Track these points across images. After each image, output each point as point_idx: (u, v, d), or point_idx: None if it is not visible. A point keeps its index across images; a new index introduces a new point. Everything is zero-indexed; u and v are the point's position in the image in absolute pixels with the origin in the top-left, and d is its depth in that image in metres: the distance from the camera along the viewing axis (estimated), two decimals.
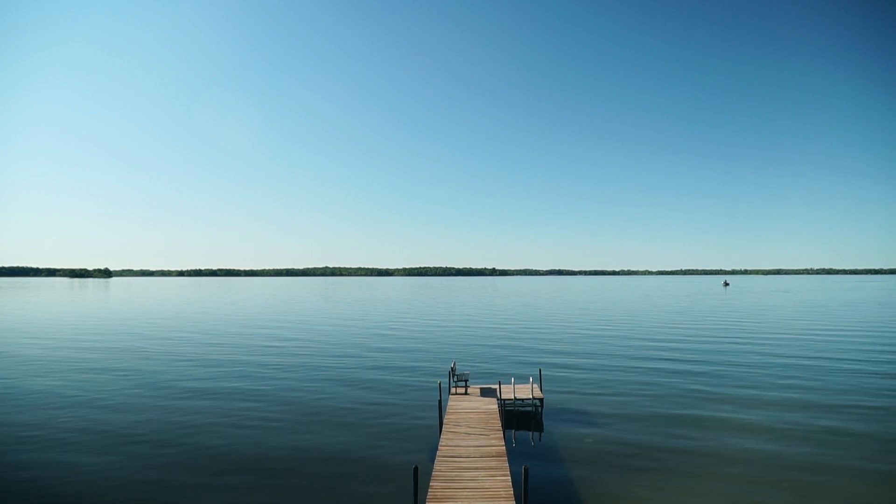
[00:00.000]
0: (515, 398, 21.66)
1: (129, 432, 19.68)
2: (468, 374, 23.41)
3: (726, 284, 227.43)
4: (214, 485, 14.71)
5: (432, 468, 13.83)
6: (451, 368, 23.71)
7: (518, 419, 21.08)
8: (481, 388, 23.13)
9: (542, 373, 24.41)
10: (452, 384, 23.34)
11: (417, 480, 10.59)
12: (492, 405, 20.22)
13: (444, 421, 18.17)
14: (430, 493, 11.96)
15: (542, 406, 21.99)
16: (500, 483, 12.60)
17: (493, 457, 14.53)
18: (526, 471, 10.41)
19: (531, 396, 21.85)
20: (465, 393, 22.35)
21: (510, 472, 13.46)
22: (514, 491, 12.23)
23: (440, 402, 18.36)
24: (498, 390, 22.08)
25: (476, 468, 13.66)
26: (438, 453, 14.83)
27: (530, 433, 19.55)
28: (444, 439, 16.14)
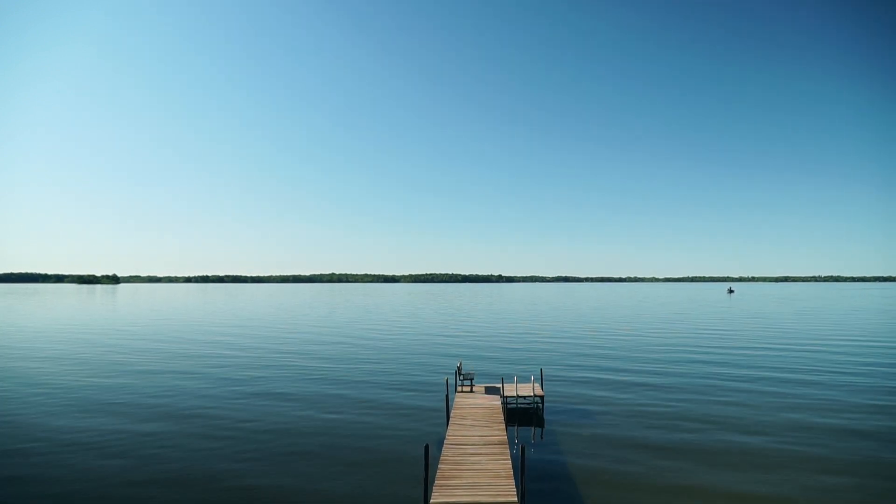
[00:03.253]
0: (518, 396, 23.00)
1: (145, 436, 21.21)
2: (473, 373, 24.79)
3: (731, 292, 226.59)
4: (256, 467, 16.17)
5: (440, 456, 15.20)
6: (458, 368, 25.12)
7: (520, 415, 22.40)
8: (486, 387, 24.48)
9: (542, 372, 25.77)
10: (459, 383, 24.68)
11: (428, 457, 11.99)
12: (495, 402, 21.58)
13: (451, 415, 19.55)
14: (438, 473, 13.38)
15: (542, 403, 23.29)
16: (501, 465, 14.00)
17: (495, 445, 15.91)
18: (522, 449, 11.80)
19: (532, 394, 23.18)
20: (471, 391, 23.74)
21: (511, 457, 14.87)
22: (514, 472, 13.62)
23: (447, 397, 19.77)
24: (501, 388, 23.47)
25: (480, 454, 15.04)
26: (446, 442, 16.23)
27: (531, 428, 20.88)
28: (451, 430, 17.54)
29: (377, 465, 16.60)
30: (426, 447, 12.00)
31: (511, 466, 13.92)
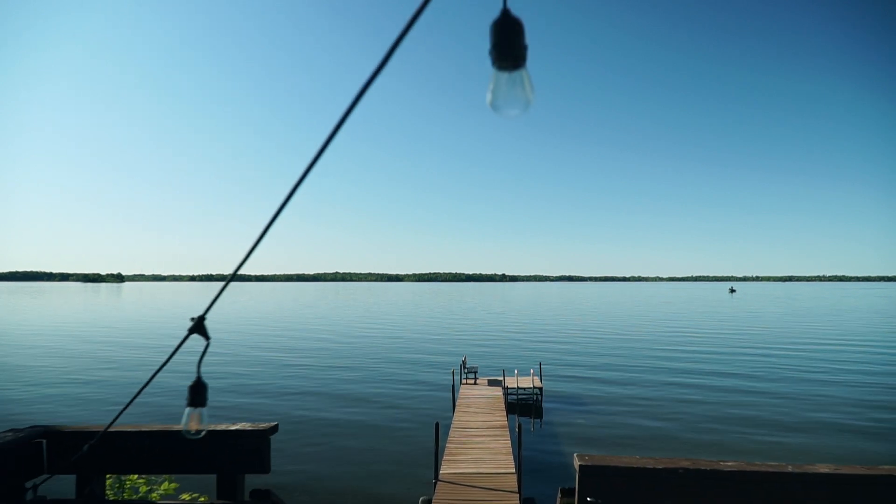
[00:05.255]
0: (518, 387, 24.85)
1: None
2: (477, 367, 26.70)
3: (732, 291, 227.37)
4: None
5: (447, 438, 17.03)
6: (462, 362, 27.00)
7: (520, 405, 24.26)
8: (488, 380, 26.35)
9: (542, 366, 27.64)
10: (463, 376, 26.54)
11: (438, 433, 13.81)
12: (497, 392, 23.42)
13: (457, 404, 21.40)
14: (446, 451, 15.21)
15: (541, 394, 25.14)
16: (501, 444, 15.88)
17: (496, 428, 17.79)
18: (519, 426, 13.62)
19: (532, 386, 25.03)
20: (475, 383, 25.60)
21: (510, 439, 16.72)
22: (512, 450, 15.46)
23: (453, 386, 21.67)
24: (503, 380, 25.34)
25: (483, 436, 16.91)
26: (452, 426, 18.07)
27: (531, 417, 22.77)
28: (457, 417, 19.40)
29: (394, 444, 18.59)
30: (436, 424, 13.84)
31: (510, 445, 15.76)
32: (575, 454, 3.31)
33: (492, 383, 25.47)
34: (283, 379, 30.83)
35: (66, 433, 3.18)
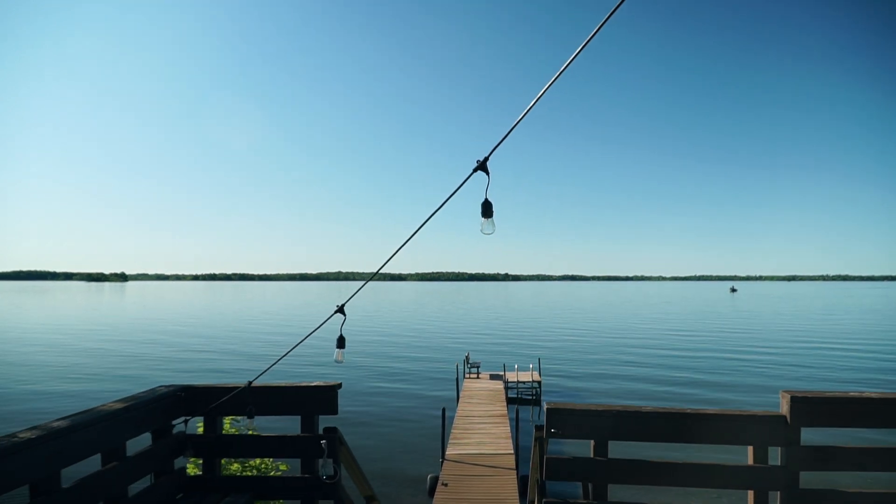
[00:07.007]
0: (518, 381, 26.44)
1: None
2: (480, 362, 28.29)
3: (733, 290, 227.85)
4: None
5: (452, 425, 18.58)
6: (466, 358, 28.59)
7: (520, 398, 25.84)
8: (490, 374, 27.94)
9: (540, 361, 29.27)
10: (466, 371, 28.13)
11: (444, 417, 15.40)
12: (498, 385, 25.01)
13: (461, 396, 23.01)
14: (451, 436, 16.80)
15: (540, 388, 26.72)
16: (501, 430, 17.47)
17: (497, 417, 19.39)
18: (517, 412, 15.22)
19: (531, 380, 26.60)
20: (477, 377, 27.19)
21: (509, 426, 18.32)
22: (511, 434, 17.05)
23: (457, 379, 23.27)
24: (503, 374, 26.94)
25: (484, 423, 18.52)
26: (457, 415, 19.66)
27: (530, 409, 24.35)
28: (461, 407, 20.98)
29: (403, 429, 20.32)
30: (443, 409, 15.44)
31: (510, 431, 17.35)
32: (545, 401, 4.99)
33: (493, 377, 27.03)
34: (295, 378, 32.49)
35: (198, 388, 4.77)
